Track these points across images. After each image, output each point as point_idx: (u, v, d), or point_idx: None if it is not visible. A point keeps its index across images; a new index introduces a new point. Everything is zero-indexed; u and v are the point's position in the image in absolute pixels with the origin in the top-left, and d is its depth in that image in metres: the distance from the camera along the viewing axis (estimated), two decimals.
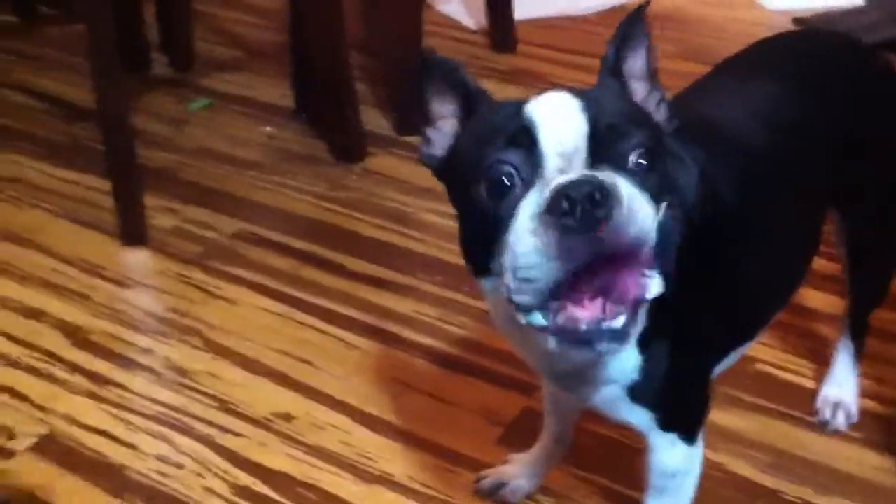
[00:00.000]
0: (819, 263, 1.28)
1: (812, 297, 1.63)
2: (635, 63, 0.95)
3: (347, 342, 1.62)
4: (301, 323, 1.66)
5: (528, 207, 0.81)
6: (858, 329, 1.40)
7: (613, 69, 0.94)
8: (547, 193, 0.79)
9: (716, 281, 1.02)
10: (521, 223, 0.81)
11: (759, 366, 1.52)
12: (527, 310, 0.82)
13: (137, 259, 1.84)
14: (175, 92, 2.45)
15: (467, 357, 1.58)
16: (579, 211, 0.77)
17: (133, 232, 1.87)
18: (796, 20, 2.74)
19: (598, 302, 0.80)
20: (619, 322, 0.80)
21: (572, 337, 0.81)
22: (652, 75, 0.96)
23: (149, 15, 2.52)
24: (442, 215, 1.92)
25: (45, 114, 2.36)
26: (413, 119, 2.27)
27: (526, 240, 0.80)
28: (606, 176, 0.80)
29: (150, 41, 2.55)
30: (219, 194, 2.03)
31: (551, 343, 0.83)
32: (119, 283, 1.78)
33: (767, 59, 1.24)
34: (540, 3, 2.86)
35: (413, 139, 2.19)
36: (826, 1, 2.84)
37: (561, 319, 0.81)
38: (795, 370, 1.52)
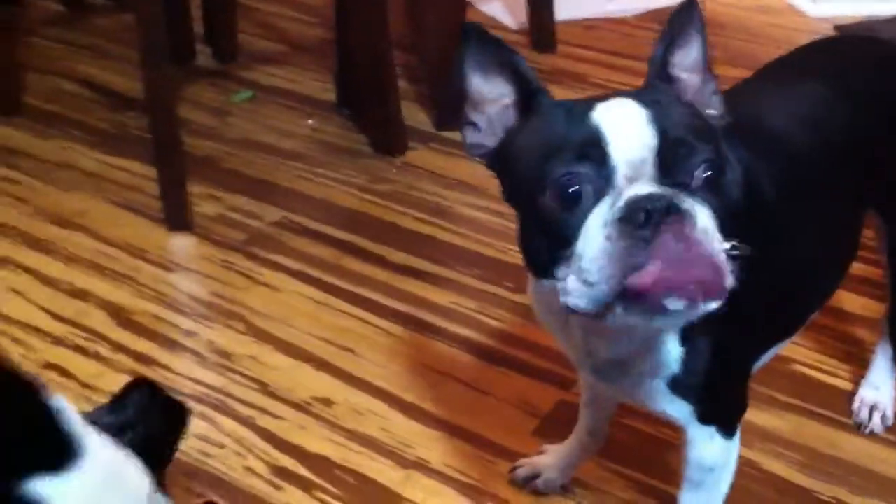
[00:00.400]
0: (858, 267, 1.29)
1: (850, 301, 1.63)
2: (688, 56, 0.95)
3: (387, 331, 1.64)
4: (341, 311, 1.69)
5: (600, 216, 0.82)
6: None
7: (661, 70, 0.94)
8: (622, 203, 0.81)
9: (757, 277, 1.04)
10: (592, 230, 0.82)
11: (796, 367, 1.53)
12: (588, 314, 0.84)
13: (182, 244, 1.88)
14: (219, 83, 2.48)
15: (504, 349, 1.60)
16: (652, 223, 0.79)
17: (178, 218, 1.91)
18: (838, 27, 2.74)
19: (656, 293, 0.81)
20: (679, 306, 0.81)
21: (633, 314, 0.82)
22: (706, 66, 0.96)
23: (194, 7, 2.56)
24: (480, 209, 1.94)
25: (93, 102, 2.41)
26: (452, 115, 2.30)
27: (595, 247, 0.81)
28: (676, 195, 0.81)
29: (195, 33, 2.59)
30: (262, 183, 2.07)
31: (610, 319, 0.83)
32: (164, 266, 1.81)
33: (810, 64, 1.25)
34: (581, 4, 2.87)
35: (452, 135, 2.22)
36: (868, 9, 2.83)
37: (622, 306, 0.82)
38: (832, 372, 1.53)
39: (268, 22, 2.85)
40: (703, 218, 0.82)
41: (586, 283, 0.82)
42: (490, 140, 0.94)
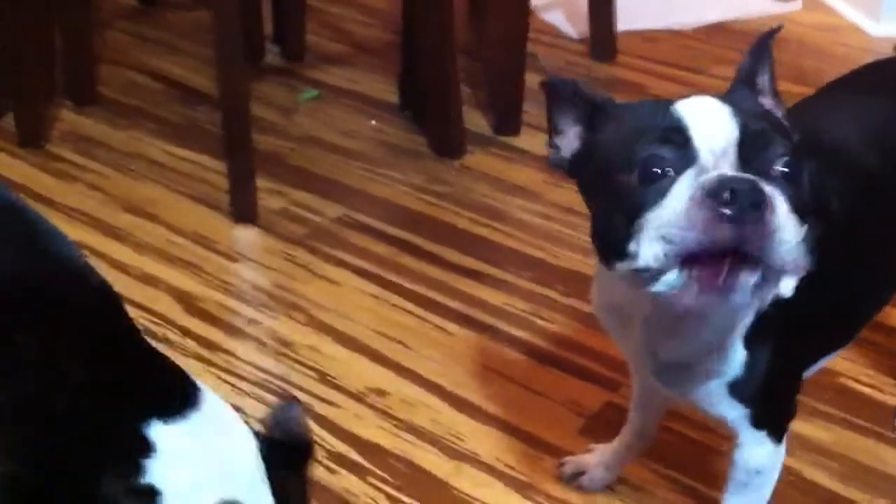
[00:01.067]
0: None
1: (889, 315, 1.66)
2: (763, 78, 1.01)
3: (441, 328, 1.70)
4: (398, 307, 1.75)
5: (685, 188, 0.86)
6: None
7: (748, 79, 1.00)
8: (708, 179, 0.85)
9: (820, 287, 1.08)
10: (675, 199, 0.86)
11: (842, 380, 1.56)
12: (657, 274, 0.87)
13: (247, 236, 1.95)
14: (286, 82, 2.56)
15: (555, 350, 1.64)
16: (739, 203, 0.83)
17: (244, 210, 1.98)
18: None
19: (731, 265, 0.85)
20: (751, 281, 0.85)
21: (707, 287, 0.85)
22: (776, 92, 1.02)
23: (264, 7, 2.64)
24: (534, 214, 1.99)
25: (165, 95, 2.49)
26: (511, 121, 2.36)
27: (680, 207, 0.85)
28: (760, 180, 0.85)
29: (265, 32, 2.67)
30: (325, 181, 2.13)
31: (685, 298, 0.87)
32: (229, 256, 1.89)
33: (875, 81, 1.29)
34: (641, 15, 2.90)
35: (510, 140, 2.27)
36: None
37: (696, 274, 0.85)
38: (878, 387, 1.55)
39: (335, 24, 2.93)
40: (782, 204, 0.86)
41: (664, 239, 0.85)
42: (567, 153, 1.02)
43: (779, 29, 1.03)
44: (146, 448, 0.89)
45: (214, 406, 0.97)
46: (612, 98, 1.01)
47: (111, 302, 0.97)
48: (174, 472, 0.89)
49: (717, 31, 2.87)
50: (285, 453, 1.00)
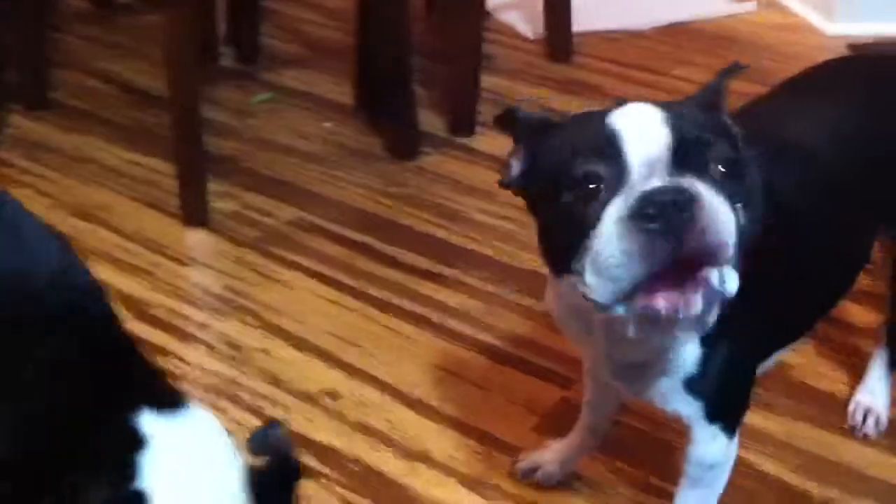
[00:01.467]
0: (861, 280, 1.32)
1: (852, 312, 1.66)
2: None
3: (396, 330, 1.68)
4: (353, 309, 1.73)
5: (615, 212, 0.87)
6: (895, 341, 1.44)
7: (711, 97, 1.00)
8: (633, 199, 0.85)
9: (772, 282, 1.08)
10: (607, 226, 0.87)
11: (794, 373, 1.56)
12: (605, 307, 0.89)
13: (198, 240, 1.93)
14: (240, 84, 2.54)
15: (510, 350, 1.63)
16: (664, 215, 0.84)
17: (195, 214, 1.96)
18: (851, 46, 2.77)
19: (678, 292, 0.86)
20: (697, 310, 0.86)
21: (652, 322, 0.88)
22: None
23: (219, 9, 2.62)
24: (491, 215, 1.98)
25: (118, 99, 2.46)
26: (467, 122, 2.35)
27: (612, 241, 0.86)
28: (689, 183, 0.86)
29: (218, 34, 2.65)
30: (278, 183, 2.11)
31: (631, 331, 0.89)
32: (180, 261, 1.86)
33: (829, 79, 1.30)
34: (598, 16, 2.91)
35: (466, 141, 2.26)
36: (883, 29, 2.87)
37: (641, 307, 0.87)
38: (830, 379, 1.56)
39: (290, 25, 2.91)
40: (715, 199, 0.86)
41: (602, 276, 0.87)
42: (516, 172, 1.03)
43: (746, 67, 1.03)
44: (137, 441, 0.88)
45: (200, 410, 0.96)
46: (549, 117, 1.01)
47: (102, 303, 0.99)
48: (164, 472, 0.88)
49: (675, 32, 2.89)
50: (274, 475, 0.97)
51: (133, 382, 0.94)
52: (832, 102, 1.23)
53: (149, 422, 0.90)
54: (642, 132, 0.90)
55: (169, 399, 0.95)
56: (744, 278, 0.92)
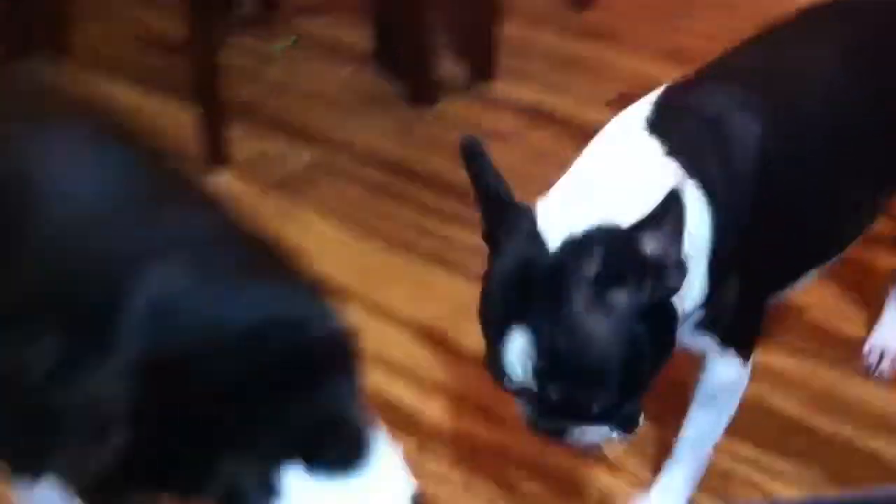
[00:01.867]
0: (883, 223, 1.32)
1: (872, 256, 1.65)
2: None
3: (415, 268, 1.70)
4: (372, 249, 1.75)
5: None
6: None
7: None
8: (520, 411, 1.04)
9: (778, 220, 1.09)
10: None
11: (812, 313, 1.57)
12: None
13: (219, 181, 1.94)
14: (261, 31, 2.54)
15: None
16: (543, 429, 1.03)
17: (216, 156, 1.97)
18: None
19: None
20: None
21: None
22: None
23: None
24: (509, 157, 1.98)
25: (140, 44, 2.47)
26: (486, 68, 2.34)
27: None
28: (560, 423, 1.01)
29: None
30: (298, 127, 2.12)
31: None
32: None
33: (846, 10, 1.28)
34: None
35: (483, 87, 2.26)
36: None
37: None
38: (852, 322, 1.55)
39: None
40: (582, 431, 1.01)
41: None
42: None
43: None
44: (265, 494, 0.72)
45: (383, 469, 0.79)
46: (504, 196, 1.06)
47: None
48: None
49: None
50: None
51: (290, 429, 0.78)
52: (823, 43, 1.21)
53: (294, 475, 0.73)
54: (517, 370, 0.98)
55: (339, 447, 0.79)
56: (752, 215, 0.96)
